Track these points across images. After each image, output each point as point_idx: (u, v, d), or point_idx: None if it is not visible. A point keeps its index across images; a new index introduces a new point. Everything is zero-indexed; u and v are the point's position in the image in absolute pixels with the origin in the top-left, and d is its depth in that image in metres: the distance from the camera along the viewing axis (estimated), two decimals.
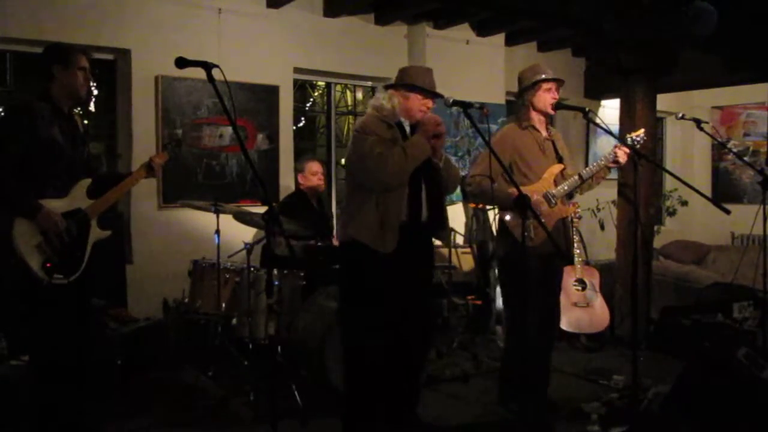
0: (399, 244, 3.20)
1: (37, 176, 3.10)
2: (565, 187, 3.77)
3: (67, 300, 3.13)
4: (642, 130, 3.89)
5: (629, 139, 3.80)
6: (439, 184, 3.40)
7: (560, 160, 3.85)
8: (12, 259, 3.02)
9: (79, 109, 3.41)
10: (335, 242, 4.79)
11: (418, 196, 3.29)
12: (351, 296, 3.34)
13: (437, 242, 5.83)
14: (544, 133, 3.84)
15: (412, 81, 3.31)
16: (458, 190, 6.14)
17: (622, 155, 3.73)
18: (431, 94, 3.32)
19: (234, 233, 5.20)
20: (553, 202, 3.75)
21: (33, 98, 3.21)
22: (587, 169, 3.83)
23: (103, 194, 3.33)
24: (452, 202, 6.06)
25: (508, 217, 3.74)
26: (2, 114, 3.30)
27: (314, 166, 5.07)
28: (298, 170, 5.19)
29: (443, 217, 3.47)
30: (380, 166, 3.12)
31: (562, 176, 3.81)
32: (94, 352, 3.41)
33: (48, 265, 3.04)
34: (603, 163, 3.80)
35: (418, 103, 3.30)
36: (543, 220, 3.68)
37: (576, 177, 3.78)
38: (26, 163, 3.06)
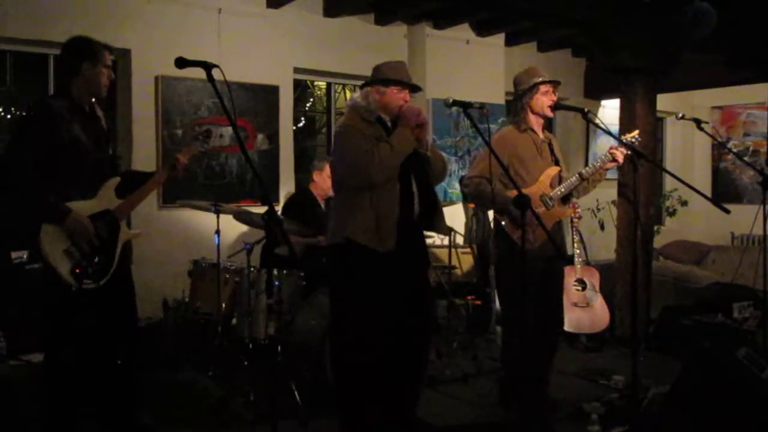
0: (397, 241, 3.16)
1: (61, 177, 3.03)
2: (562, 189, 3.78)
3: (94, 302, 3.09)
4: (636, 132, 3.93)
5: (625, 141, 3.82)
6: (428, 176, 3.36)
7: (557, 162, 3.87)
8: (41, 263, 2.99)
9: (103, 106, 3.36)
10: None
11: (409, 190, 3.26)
12: (347, 298, 3.29)
13: (438, 242, 5.86)
14: (541, 136, 3.85)
15: (386, 76, 3.28)
16: (458, 190, 6.15)
17: (620, 155, 3.75)
18: (407, 85, 3.28)
19: (234, 233, 5.22)
20: (550, 204, 3.75)
21: (49, 97, 3.16)
22: (587, 168, 3.84)
23: (129, 193, 3.28)
24: (452, 202, 6.07)
25: (504, 223, 3.74)
26: (21, 115, 3.26)
27: None
28: (315, 167, 5.13)
29: (436, 209, 3.42)
30: (368, 163, 3.07)
31: (558, 179, 3.82)
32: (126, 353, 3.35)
33: (77, 270, 2.99)
34: (599, 164, 3.81)
35: (394, 97, 3.26)
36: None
37: (575, 177, 3.79)
38: (49, 165, 2.98)
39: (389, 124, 3.30)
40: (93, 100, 3.21)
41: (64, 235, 2.99)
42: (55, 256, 2.97)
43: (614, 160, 3.79)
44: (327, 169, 4.99)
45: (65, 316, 3.05)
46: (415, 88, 3.36)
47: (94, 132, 3.16)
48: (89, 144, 3.11)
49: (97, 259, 3.09)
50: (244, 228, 5.02)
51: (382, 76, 3.28)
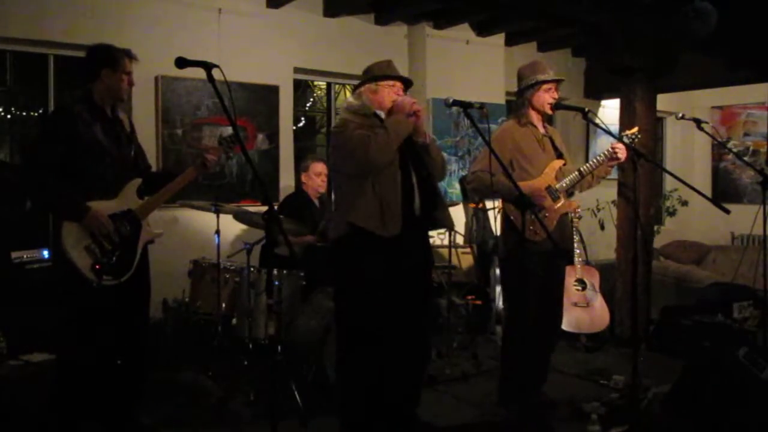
0: (400, 231, 3.17)
1: (81, 178, 3.12)
2: (567, 182, 3.79)
3: (113, 301, 3.13)
4: (636, 128, 3.93)
5: (625, 138, 3.82)
6: (428, 168, 3.38)
7: (560, 155, 3.88)
8: (61, 260, 3.05)
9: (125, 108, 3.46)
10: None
11: (410, 182, 3.28)
12: (350, 291, 3.29)
13: (438, 242, 5.85)
14: (542, 131, 3.87)
15: (376, 73, 3.36)
16: (458, 190, 6.15)
17: (621, 151, 3.75)
18: (397, 79, 3.35)
19: (234, 233, 5.21)
20: (556, 195, 3.77)
21: (72, 101, 3.26)
22: (586, 165, 3.85)
23: (154, 193, 3.35)
24: (452, 203, 6.06)
25: (512, 217, 3.75)
26: (42, 118, 3.40)
27: (318, 167, 5.02)
28: (302, 169, 5.16)
29: (438, 203, 3.44)
30: (366, 147, 3.10)
31: (561, 172, 3.83)
32: (140, 353, 3.39)
33: (97, 267, 3.06)
34: (601, 159, 3.82)
35: (388, 91, 3.32)
36: (547, 215, 3.71)
37: (576, 173, 3.80)
38: (70, 166, 3.08)
39: (384, 118, 3.33)
40: (115, 103, 3.31)
41: (85, 232, 3.08)
42: (76, 252, 3.05)
43: (614, 157, 3.78)
44: (312, 167, 5.03)
45: (85, 314, 3.09)
46: (406, 82, 3.41)
47: (115, 134, 3.25)
48: (110, 146, 3.19)
49: (117, 256, 3.15)
50: (244, 228, 5.02)
51: (372, 75, 3.36)
